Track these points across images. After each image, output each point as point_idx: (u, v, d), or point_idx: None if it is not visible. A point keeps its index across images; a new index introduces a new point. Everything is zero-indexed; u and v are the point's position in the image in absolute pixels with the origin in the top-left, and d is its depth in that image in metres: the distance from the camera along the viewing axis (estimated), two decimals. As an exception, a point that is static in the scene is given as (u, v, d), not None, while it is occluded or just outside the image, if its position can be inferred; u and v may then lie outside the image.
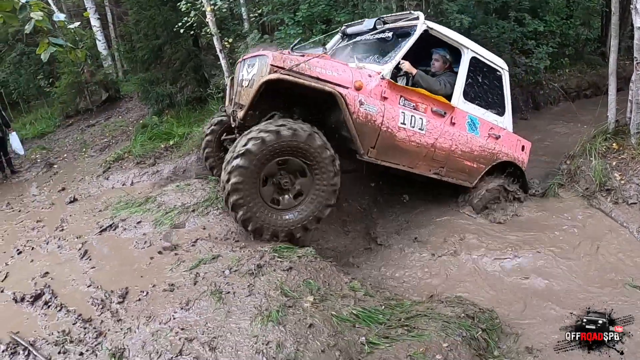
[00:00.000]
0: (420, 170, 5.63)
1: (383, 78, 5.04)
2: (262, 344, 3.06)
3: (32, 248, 5.44)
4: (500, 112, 6.31)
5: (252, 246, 4.45)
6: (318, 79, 4.61)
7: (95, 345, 3.26)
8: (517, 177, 6.66)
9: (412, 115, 5.26)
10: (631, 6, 6.17)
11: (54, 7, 11.82)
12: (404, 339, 3.37)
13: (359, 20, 6.48)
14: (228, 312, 3.42)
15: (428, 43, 5.65)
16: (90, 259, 4.73)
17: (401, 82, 5.46)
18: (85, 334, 3.40)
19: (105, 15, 17.86)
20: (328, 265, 4.33)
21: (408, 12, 5.85)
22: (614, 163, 6.24)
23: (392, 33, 5.51)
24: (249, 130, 4.47)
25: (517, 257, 4.96)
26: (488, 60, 6.06)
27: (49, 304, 3.94)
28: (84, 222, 6.09)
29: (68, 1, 18.12)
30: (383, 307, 3.84)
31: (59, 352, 3.27)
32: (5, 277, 4.73)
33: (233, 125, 5.62)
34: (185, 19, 9.29)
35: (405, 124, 5.21)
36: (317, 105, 5.04)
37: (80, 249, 4.98)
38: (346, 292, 3.96)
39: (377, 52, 5.71)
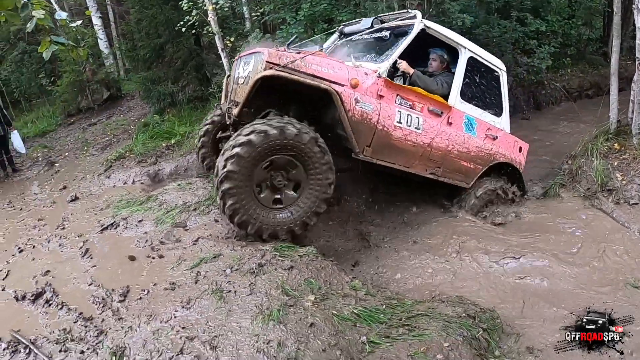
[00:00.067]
0: (416, 170, 5.59)
1: (379, 76, 5.02)
2: (263, 343, 3.06)
3: (34, 246, 5.44)
4: (498, 112, 6.26)
5: (253, 245, 4.44)
6: (314, 76, 4.58)
7: (96, 344, 3.26)
8: (514, 178, 6.63)
9: (408, 114, 5.23)
10: (633, 6, 6.17)
11: (55, 6, 11.85)
12: (405, 339, 3.36)
13: (357, 20, 6.45)
14: (229, 311, 3.42)
15: (426, 43, 5.62)
16: (91, 258, 4.73)
17: (398, 82, 5.44)
18: (86, 333, 3.40)
19: (107, 14, 17.89)
20: (329, 265, 4.33)
21: (405, 10, 5.84)
22: (616, 163, 6.23)
23: (389, 32, 5.48)
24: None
25: (517, 258, 4.93)
26: (486, 60, 6.02)
27: (50, 302, 3.94)
28: (85, 220, 6.09)
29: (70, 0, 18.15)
30: (384, 306, 3.83)
31: (60, 351, 3.27)
32: (7, 275, 4.73)
33: (228, 123, 5.59)
34: (187, 17, 9.29)
35: (401, 123, 5.18)
36: (313, 103, 5.02)
37: (81, 248, 4.98)
38: (347, 292, 3.96)
39: (375, 51, 5.69)
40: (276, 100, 5.05)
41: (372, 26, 5.59)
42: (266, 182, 4.56)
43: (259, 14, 10.51)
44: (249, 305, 3.47)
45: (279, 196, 4.64)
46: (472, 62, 5.84)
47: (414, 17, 5.37)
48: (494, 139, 6.13)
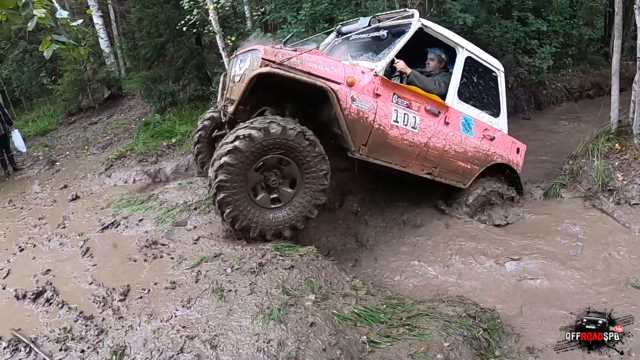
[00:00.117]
0: (412, 169, 5.56)
1: (376, 75, 4.99)
2: (264, 342, 3.06)
3: (34, 245, 5.45)
4: (495, 113, 6.23)
5: (254, 244, 4.44)
6: (310, 73, 4.55)
7: (97, 343, 3.26)
8: (512, 179, 6.61)
9: (405, 114, 5.20)
10: (634, 6, 6.17)
11: (56, 5, 11.86)
12: (405, 338, 3.36)
13: (354, 19, 6.43)
14: (229, 310, 3.42)
15: (424, 42, 5.61)
16: (92, 257, 4.73)
17: (396, 82, 5.39)
18: (86, 332, 3.41)
19: (107, 13, 17.88)
20: (330, 264, 4.33)
21: (403, 10, 5.81)
22: (617, 163, 6.23)
23: (386, 31, 5.43)
24: (236, 128, 4.41)
25: (517, 259, 4.92)
26: (483, 60, 5.99)
27: (51, 301, 3.94)
28: (85, 219, 6.10)
29: (71, -1, 18.17)
30: (384, 306, 3.83)
31: (61, 350, 3.27)
32: (7, 274, 4.74)
33: (223, 121, 5.56)
34: (188, 17, 9.29)
35: (397, 122, 5.15)
36: (309, 101, 5.00)
37: (82, 247, 4.99)
38: (348, 291, 3.95)
39: (372, 50, 5.66)
40: (272, 98, 5.02)
41: (369, 25, 5.58)
42: (261, 184, 4.54)
43: (260, 13, 10.52)
44: (249, 304, 3.47)
45: (276, 195, 4.61)
46: (470, 62, 5.81)
47: (412, 16, 5.35)
48: (492, 139, 6.09)
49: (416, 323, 3.57)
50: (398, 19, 5.53)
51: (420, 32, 5.30)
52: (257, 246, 4.40)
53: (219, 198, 4.28)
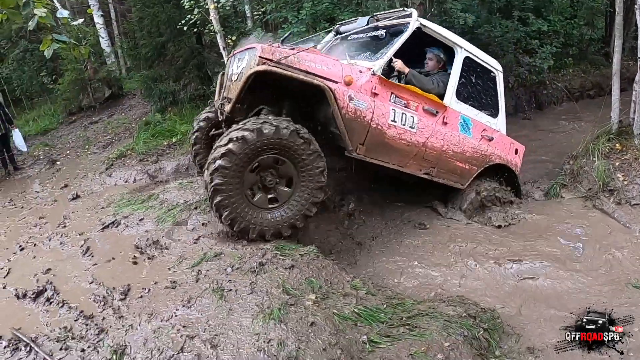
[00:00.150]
0: (410, 169, 5.53)
1: (374, 74, 4.97)
2: (264, 341, 3.06)
3: (35, 244, 5.46)
4: (494, 113, 6.21)
5: (254, 244, 4.44)
6: (307, 72, 4.53)
7: (97, 342, 3.26)
8: (510, 180, 6.59)
9: (402, 113, 5.17)
10: (635, 6, 6.16)
11: (57, 4, 11.87)
12: (405, 338, 3.36)
13: (353, 19, 6.41)
14: (230, 309, 3.42)
15: (423, 42, 5.60)
16: (92, 256, 4.73)
17: (394, 82, 5.37)
18: (87, 331, 3.41)
19: (108, 13, 17.89)
20: (330, 264, 4.33)
21: (401, 9, 5.79)
22: (617, 164, 6.23)
23: (385, 31, 5.40)
24: (229, 130, 4.39)
25: (516, 260, 4.89)
26: (482, 60, 5.98)
27: (51, 300, 3.95)
28: (86, 219, 6.10)
29: (71, -2, 18.18)
30: (385, 306, 3.83)
31: (61, 349, 3.27)
32: (8, 273, 4.75)
33: (220, 119, 5.53)
34: (189, 16, 9.31)
35: (395, 122, 5.12)
36: (307, 99, 4.98)
37: (82, 246, 4.99)
38: (348, 291, 3.95)
39: (370, 50, 5.64)
40: (270, 97, 5.01)
41: (367, 25, 5.56)
42: (257, 184, 4.52)
43: (260, 12, 10.53)
44: (249, 304, 3.47)
45: (273, 195, 4.60)
46: (468, 62, 5.80)
47: (410, 15, 5.33)
48: (490, 140, 6.07)
49: (416, 323, 3.56)
50: (396, 18, 5.52)
51: (419, 32, 5.29)
52: (258, 246, 4.39)
53: (215, 201, 4.28)
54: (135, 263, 4.37)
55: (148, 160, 8.75)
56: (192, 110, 10.71)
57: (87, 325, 3.48)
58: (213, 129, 6.35)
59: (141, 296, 3.75)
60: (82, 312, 3.66)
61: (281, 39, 5.04)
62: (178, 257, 4.32)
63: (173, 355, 3.01)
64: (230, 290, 3.66)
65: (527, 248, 5.14)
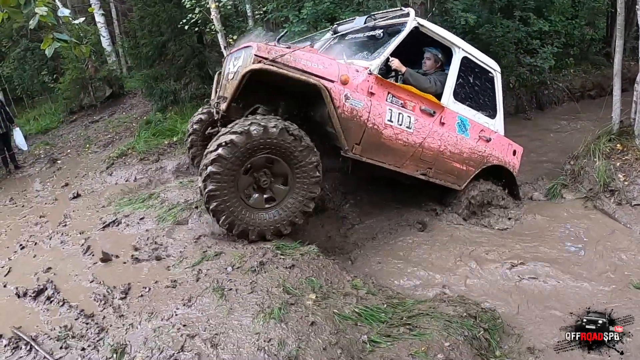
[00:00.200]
0: (407, 170, 5.48)
1: (370, 73, 4.92)
2: (264, 341, 3.06)
3: (35, 243, 5.46)
4: (492, 114, 6.15)
5: (254, 243, 4.44)
6: (303, 71, 4.49)
7: (97, 341, 3.26)
8: (508, 181, 6.57)
9: (399, 113, 5.13)
10: (637, 7, 6.16)
11: (58, 3, 11.86)
12: (405, 338, 3.36)
13: (350, 18, 6.38)
14: (230, 309, 3.42)
15: (421, 42, 5.56)
16: (93, 255, 4.73)
17: (391, 81, 5.34)
18: (87, 330, 3.41)
19: (109, 12, 17.90)
20: (330, 263, 4.33)
21: (399, 8, 5.77)
22: (618, 164, 6.22)
23: (382, 31, 5.39)
24: (217, 135, 4.37)
25: (517, 260, 4.89)
26: (480, 61, 5.93)
27: (52, 299, 3.95)
28: (87, 217, 6.10)
29: (73, -3, 18.19)
30: (385, 305, 3.83)
31: (61, 348, 3.27)
32: (8, 272, 4.74)
33: (216, 118, 5.51)
34: (190, 15, 9.31)
35: (392, 122, 5.08)
36: (303, 99, 4.96)
37: (83, 245, 4.99)
38: (348, 290, 3.95)
39: (368, 49, 5.62)
40: (265, 95, 4.98)
41: (365, 24, 5.53)
42: (252, 186, 4.52)
43: (262, 12, 10.52)
44: (250, 303, 3.47)
45: (269, 194, 4.59)
46: (466, 62, 5.75)
47: (407, 15, 5.28)
48: (488, 140, 6.02)
49: (417, 323, 3.56)
50: (394, 18, 5.48)
51: (416, 32, 5.25)
52: (258, 245, 4.39)
53: (212, 207, 4.29)
54: (135, 261, 4.38)
55: (149, 159, 8.75)
56: (193, 109, 10.69)
57: (87, 324, 3.48)
58: (209, 128, 6.33)
59: (141, 295, 3.75)
60: (82, 311, 3.66)
61: (277, 37, 5.00)
62: (178, 256, 4.32)
63: (173, 354, 3.01)
64: (231, 289, 3.66)
65: (527, 248, 5.13)
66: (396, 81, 5.38)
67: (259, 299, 3.51)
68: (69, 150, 11.02)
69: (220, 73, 5.78)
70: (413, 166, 5.50)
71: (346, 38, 5.95)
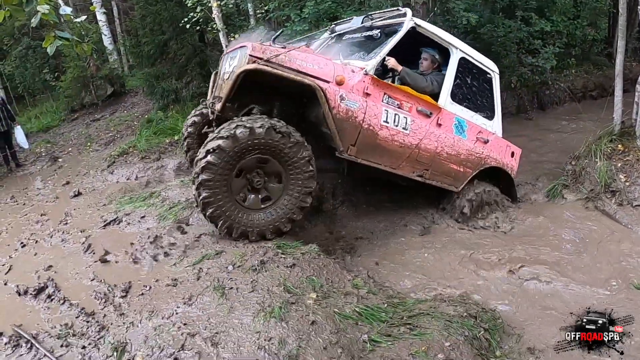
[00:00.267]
0: (402, 171, 5.42)
1: (366, 74, 4.89)
2: (265, 340, 3.06)
3: (36, 241, 5.46)
4: (490, 115, 6.09)
5: (255, 242, 4.44)
6: (298, 71, 4.46)
7: (98, 339, 3.27)
8: (506, 183, 6.51)
9: (395, 114, 5.09)
10: (639, 7, 6.15)
11: (60, 1, 11.88)
12: (406, 338, 3.36)
13: (348, 18, 6.34)
14: (231, 307, 3.42)
15: (418, 43, 5.52)
16: (93, 253, 4.74)
17: (388, 82, 5.29)
18: (87, 328, 3.41)
19: (111, 10, 17.91)
20: (331, 263, 4.33)
21: (396, 8, 5.73)
22: (619, 165, 6.21)
23: (379, 31, 5.34)
24: (205, 141, 4.36)
25: (517, 261, 4.89)
26: (478, 61, 5.87)
27: (52, 297, 3.96)
28: (88, 216, 6.11)
29: (74, -5, 18.18)
30: (386, 305, 3.83)
31: (62, 346, 3.28)
32: (9, 270, 4.75)
33: (211, 118, 5.51)
34: (192, 14, 9.32)
35: (388, 122, 5.04)
36: (298, 99, 4.94)
37: (84, 243, 4.99)
38: (349, 290, 3.95)
39: (365, 49, 5.56)
40: (261, 96, 4.95)
41: (362, 24, 5.50)
42: (247, 187, 4.51)
43: (263, 11, 10.52)
44: (250, 302, 3.47)
45: (265, 194, 4.59)
46: (464, 63, 5.69)
47: (404, 15, 5.24)
48: (485, 142, 5.96)
49: (417, 322, 3.56)
50: (391, 18, 5.44)
51: (413, 32, 5.20)
52: (259, 244, 4.40)
53: (208, 214, 4.31)
54: (136, 260, 4.38)
55: (150, 157, 8.76)
56: (194, 108, 10.65)
57: (88, 322, 3.49)
58: (206, 127, 6.28)
59: (142, 293, 3.76)
60: (83, 309, 3.67)
61: (273, 37, 4.98)
62: (179, 255, 4.32)
63: (174, 352, 3.01)
64: (232, 288, 3.66)
65: (527, 250, 5.12)
66: (393, 81, 5.36)
67: (260, 298, 3.51)
68: (70, 149, 11.03)
69: (216, 73, 5.76)
70: (409, 168, 5.45)
71: (343, 38, 5.92)
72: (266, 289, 3.62)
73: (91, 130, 12.06)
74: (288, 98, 5.02)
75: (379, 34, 5.26)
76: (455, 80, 5.61)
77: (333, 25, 6.36)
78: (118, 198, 6.55)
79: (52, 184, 8.55)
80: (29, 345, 3.32)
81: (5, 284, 4.37)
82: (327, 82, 4.62)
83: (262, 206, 4.56)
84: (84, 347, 3.21)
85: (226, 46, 9.11)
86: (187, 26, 9.49)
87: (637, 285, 4.43)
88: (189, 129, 6.60)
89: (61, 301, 3.86)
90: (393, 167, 5.33)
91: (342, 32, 5.99)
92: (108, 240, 5.00)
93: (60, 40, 3.74)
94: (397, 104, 5.12)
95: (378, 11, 5.93)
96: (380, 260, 5.08)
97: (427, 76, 5.52)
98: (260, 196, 4.56)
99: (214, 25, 9.37)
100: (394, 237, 5.64)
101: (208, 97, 6.04)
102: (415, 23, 5.17)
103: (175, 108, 11.10)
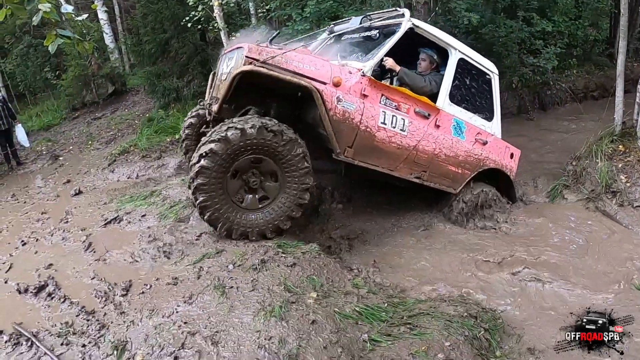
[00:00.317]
0: (400, 173, 5.39)
1: (364, 75, 4.85)
2: (265, 339, 3.06)
3: (37, 240, 5.47)
4: (489, 117, 6.05)
5: (256, 242, 4.44)
6: (294, 72, 4.44)
7: (98, 337, 3.27)
8: (505, 185, 6.47)
9: (393, 115, 5.06)
10: (640, 8, 6.13)
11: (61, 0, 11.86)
12: (406, 337, 3.36)
13: (346, 19, 6.32)
14: (231, 306, 3.42)
15: (416, 43, 5.50)
16: (94, 252, 4.74)
17: (386, 83, 5.28)
18: (88, 326, 3.42)
19: (112, 8, 17.92)
20: (332, 262, 4.33)
21: (394, 9, 5.70)
22: (620, 165, 6.21)
23: (378, 31, 5.27)
24: (198, 145, 4.37)
25: (518, 261, 4.89)
26: (477, 62, 5.83)
27: (53, 295, 3.96)
28: (88, 214, 6.11)
29: (76, -7, 18.19)
30: (386, 304, 3.83)
31: (62, 344, 3.28)
32: (10, 268, 4.76)
33: (208, 119, 5.49)
34: (193, 13, 9.32)
35: (385, 124, 5.01)
36: (295, 100, 4.92)
37: (84, 241, 5.00)
38: (349, 289, 3.96)
39: (363, 50, 5.55)
40: (258, 97, 4.96)
41: (360, 25, 5.51)
42: (243, 188, 4.52)
43: (265, 10, 10.52)
44: (251, 301, 3.47)
45: (262, 194, 4.59)
46: (463, 64, 5.65)
47: (402, 15, 5.21)
48: (484, 143, 5.92)
49: (417, 322, 3.56)
50: (389, 18, 5.41)
51: (412, 33, 5.16)
52: (259, 243, 4.40)
53: (206, 217, 4.33)
54: (136, 259, 4.38)
55: (151, 156, 8.76)
56: (195, 106, 10.71)
57: (88, 320, 3.49)
58: (203, 127, 6.27)
59: (142, 292, 3.76)
60: (83, 307, 3.67)
61: (270, 38, 4.96)
62: (180, 254, 4.33)
63: (174, 351, 3.01)
64: (232, 287, 3.66)
65: (528, 250, 5.11)
66: (392, 82, 5.33)
67: (260, 297, 3.51)
68: (71, 147, 11.04)
69: (214, 73, 5.75)
70: (407, 169, 5.43)
71: (342, 38, 5.89)
72: (266, 288, 3.62)
73: (92, 129, 12.07)
74: (285, 99, 5.01)
75: (378, 35, 5.21)
76: (453, 81, 5.57)
77: (332, 26, 6.32)
78: (119, 197, 6.55)
79: (52, 183, 8.55)
80: (29, 344, 3.33)
81: (6, 282, 4.38)
82: (324, 83, 4.59)
83: (260, 206, 4.56)
84: (84, 346, 3.21)
85: (228, 45, 9.11)
86: (189, 25, 9.49)
87: (637, 286, 4.43)
88: (187, 131, 6.60)
89: (61, 299, 3.86)
90: (391, 168, 5.30)
91: (340, 32, 5.97)
92: (109, 239, 5.01)
93: (61, 38, 3.73)
94: (395, 105, 5.09)
95: (377, 11, 5.90)
96: (379, 261, 5.05)
97: (425, 76, 5.49)
98: (257, 196, 4.57)
99: (215, 24, 9.37)
100: (393, 238, 5.62)
101: (206, 98, 6.03)
102: (413, 24, 5.13)
103: (176, 107, 11.11)
